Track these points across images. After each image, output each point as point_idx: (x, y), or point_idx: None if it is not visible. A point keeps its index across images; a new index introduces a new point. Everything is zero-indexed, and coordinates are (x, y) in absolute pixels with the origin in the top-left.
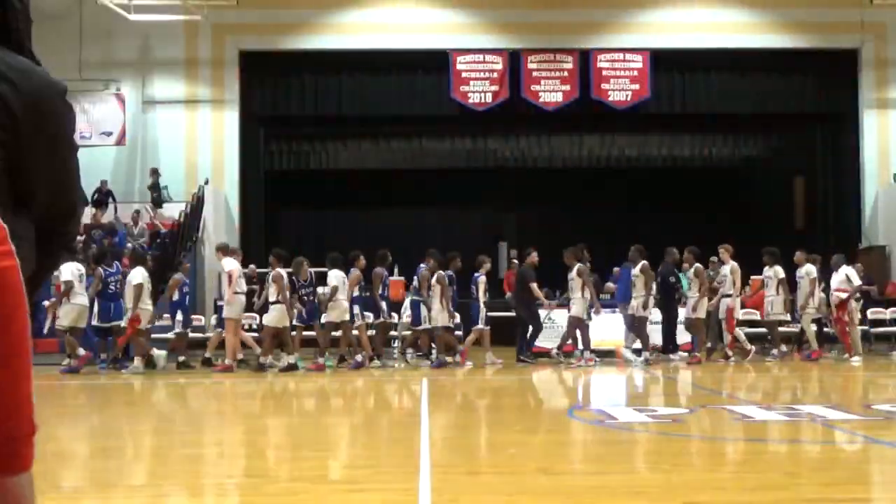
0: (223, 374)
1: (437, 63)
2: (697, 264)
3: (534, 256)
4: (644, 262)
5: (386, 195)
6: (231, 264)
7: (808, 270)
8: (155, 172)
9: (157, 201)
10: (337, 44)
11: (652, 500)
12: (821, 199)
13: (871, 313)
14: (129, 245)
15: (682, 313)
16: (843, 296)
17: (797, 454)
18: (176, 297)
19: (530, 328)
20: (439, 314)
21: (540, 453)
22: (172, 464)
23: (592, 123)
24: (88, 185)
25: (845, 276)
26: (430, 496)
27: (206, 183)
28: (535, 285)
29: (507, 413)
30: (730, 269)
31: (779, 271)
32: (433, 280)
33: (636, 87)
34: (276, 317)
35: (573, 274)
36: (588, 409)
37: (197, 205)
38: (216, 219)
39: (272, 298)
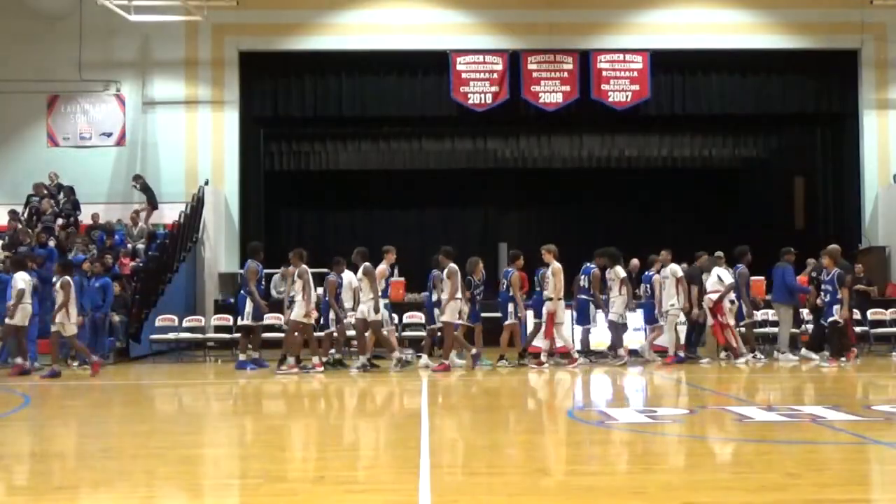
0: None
1: (437, 63)
2: (452, 264)
3: (703, 259)
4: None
5: (386, 196)
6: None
7: (672, 270)
8: (138, 178)
9: (154, 202)
10: (337, 44)
11: (652, 500)
12: (821, 199)
13: (872, 314)
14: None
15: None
16: (715, 297)
17: (797, 454)
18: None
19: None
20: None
21: (540, 453)
22: (172, 464)
23: (592, 124)
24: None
25: (717, 277)
26: (430, 496)
27: (206, 184)
28: (696, 288)
29: (506, 413)
30: (551, 270)
31: (619, 272)
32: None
33: (636, 87)
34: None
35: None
36: (588, 410)
37: (197, 205)
38: (216, 219)
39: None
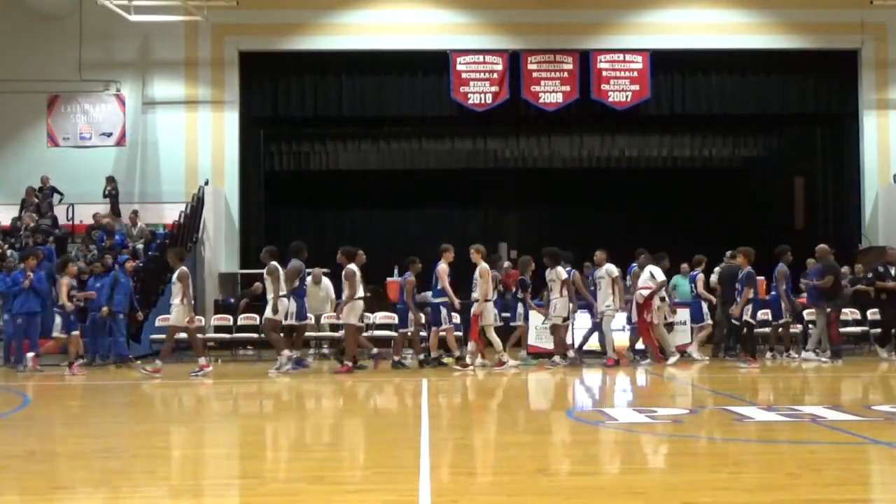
0: None
1: (437, 63)
2: (351, 265)
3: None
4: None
5: (386, 196)
6: None
7: (608, 270)
8: (111, 181)
9: (116, 210)
10: (337, 44)
11: (652, 500)
12: (821, 199)
13: (871, 314)
14: None
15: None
16: (646, 293)
17: (797, 454)
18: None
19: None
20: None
21: (540, 453)
22: (172, 464)
23: (592, 124)
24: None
25: (650, 274)
26: (430, 496)
27: (206, 184)
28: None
29: (507, 413)
30: (479, 272)
31: (560, 272)
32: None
33: (636, 87)
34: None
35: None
36: (588, 410)
37: (197, 205)
38: (216, 219)
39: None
